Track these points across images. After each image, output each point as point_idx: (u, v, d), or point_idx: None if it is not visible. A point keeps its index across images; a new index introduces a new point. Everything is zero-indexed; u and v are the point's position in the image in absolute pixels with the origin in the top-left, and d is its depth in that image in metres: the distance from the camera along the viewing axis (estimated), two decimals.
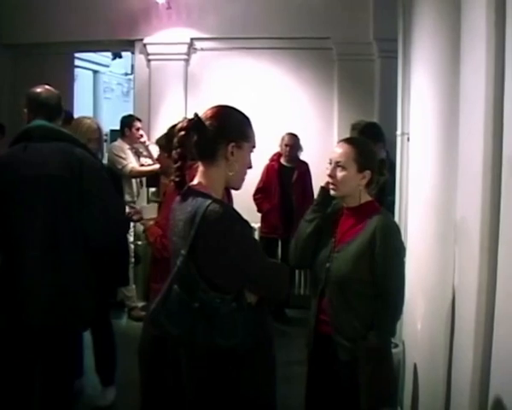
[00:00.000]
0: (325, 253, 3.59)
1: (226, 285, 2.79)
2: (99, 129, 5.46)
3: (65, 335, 3.96)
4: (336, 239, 3.59)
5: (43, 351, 3.99)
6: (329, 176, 3.57)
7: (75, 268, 3.90)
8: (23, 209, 3.84)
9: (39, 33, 8.85)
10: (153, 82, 8.81)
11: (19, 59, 9.43)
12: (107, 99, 19.26)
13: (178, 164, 2.90)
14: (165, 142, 5.33)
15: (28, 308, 3.80)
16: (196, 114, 2.90)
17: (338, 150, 3.58)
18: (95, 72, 18.43)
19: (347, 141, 3.67)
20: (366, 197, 3.61)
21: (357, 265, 3.44)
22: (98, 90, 18.71)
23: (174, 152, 2.90)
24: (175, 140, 2.91)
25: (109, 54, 16.77)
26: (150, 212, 4.71)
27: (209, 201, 2.76)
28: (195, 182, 2.93)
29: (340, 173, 3.53)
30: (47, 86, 4.14)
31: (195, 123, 2.87)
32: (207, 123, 2.87)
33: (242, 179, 3.01)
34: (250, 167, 3.00)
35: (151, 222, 4.51)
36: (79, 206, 3.88)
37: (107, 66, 18.83)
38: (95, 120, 5.60)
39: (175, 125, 3.05)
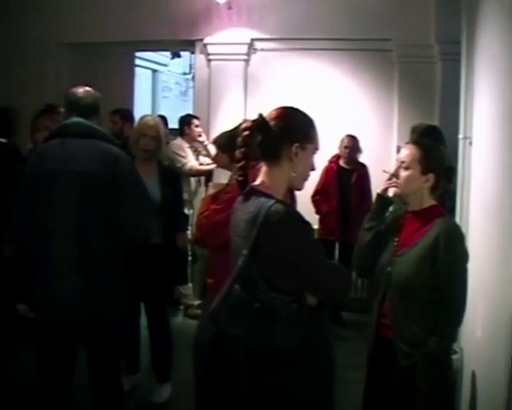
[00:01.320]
0: (386, 256, 3.57)
1: (287, 287, 2.78)
2: (156, 127, 5.46)
3: (98, 331, 3.99)
4: (398, 243, 3.56)
5: (86, 347, 4.05)
6: (393, 175, 3.57)
7: (107, 265, 3.94)
8: (56, 203, 3.88)
9: (100, 32, 8.94)
10: (213, 82, 8.82)
11: (79, 58, 9.54)
12: (165, 98, 19.47)
13: (242, 163, 2.89)
14: (228, 141, 5.36)
15: (57, 304, 3.83)
16: (261, 115, 2.90)
17: (405, 151, 3.60)
18: (154, 71, 18.66)
19: (415, 142, 3.70)
20: (430, 201, 3.59)
21: (419, 269, 3.41)
22: (157, 89, 18.93)
23: (238, 151, 2.90)
24: (239, 139, 2.91)
25: (168, 53, 16.95)
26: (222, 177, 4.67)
27: (272, 201, 2.76)
28: (258, 182, 2.93)
29: (403, 173, 3.55)
30: (86, 87, 4.22)
31: (260, 123, 2.87)
32: (272, 123, 2.87)
33: (305, 181, 3.00)
34: (313, 169, 2.99)
35: (212, 190, 4.50)
36: (113, 203, 3.93)
37: (166, 65, 19.04)
38: (155, 119, 5.62)
39: (239, 125, 3.06)
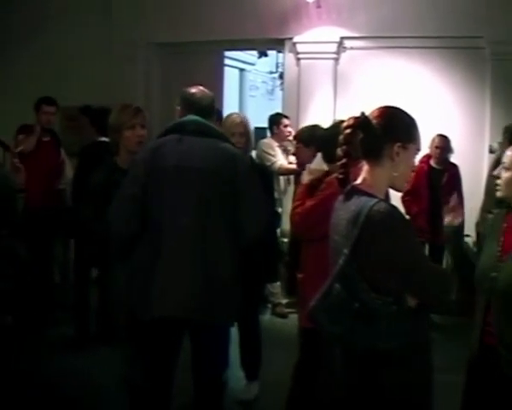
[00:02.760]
0: (489, 261, 3.46)
1: (387, 287, 2.75)
2: (243, 123, 5.47)
3: (214, 328, 4.01)
4: (503, 248, 3.45)
5: (192, 343, 4.06)
6: (496, 177, 3.51)
7: (224, 262, 3.93)
8: (171, 199, 3.89)
9: (189, 32, 9.06)
10: (302, 81, 8.80)
11: (169, 57, 9.68)
12: (252, 97, 19.53)
13: (343, 161, 2.88)
14: (310, 136, 5.35)
15: (173, 301, 3.83)
16: (363, 113, 2.88)
17: (508, 152, 3.49)
18: (241, 70, 18.74)
19: None
20: None
21: None
22: (244, 88, 19.02)
23: (339, 149, 2.89)
24: (341, 137, 2.89)
25: (255, 52, 16.97)
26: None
27: (374, 200, 2.73)
28: (359, 181, 2.91)
29: (504, 174, 3.45)
30: (201, 87, 4.25)
31: (362, 121, 2.85)
32: (374, 122, 2.85)
33: (406, 181, 2.98)
34: (413, 171, 2.96)
35: (307, 178, 4.49)
36: (230, 201, 3.93)
37: (253, 64, 19.08)
38: (241, 116, 5.63)
39: (341, 122, 3.04)
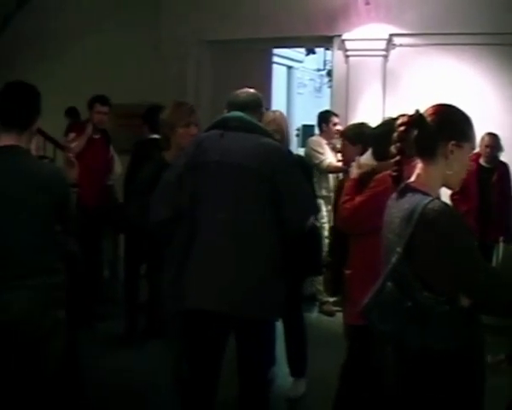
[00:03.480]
0: None
1: (441, 286, 2.72)
2: (276, 121, 5.44)
3: (257, 324, 4.00)
4: None
5: (237, 339, 4.07)
6: None
7: (264, 257, 3.93)
8: (213, 193, 3.92)
9: (239, 30, 9.05)
10: (351, 78, 8.73)
11: (218, 55, 9.71)
12: (299, 94, 19.55)
13: (397, 159, 2.88)
14: (357, 134, 5.33)
15: (214, 294, 3.85)
16: (418, 110, 2.86)
17: None
18: (289, 67, 18.75)
19: None
20: None
21: None
22: (292, 86, 19.03)
23: (393, 146, 2.89)
24: (394, 135, 2.89)
25: (303, 50, 16.99)
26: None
27: (428, 199, 2.71)
28: (413, 179, 2.90)
29: None
30: (248, 88, 4.30)
31: (417, 119, 2.84)
32: (429, 119, 2.83)
33: (460, 180, 2.97)
34: (468, 169, 2.94)
35: (355, 172, 4.49)
36: (272, 196, 3.92)
37: (301, 61, 19.11)
38: (276, 113, 5.63)
39: (392, 120, 3.04)
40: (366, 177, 4.29)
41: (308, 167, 6.07)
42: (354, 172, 4.47)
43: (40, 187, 3.53)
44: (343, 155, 5.94)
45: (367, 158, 4.54)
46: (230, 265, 3.85)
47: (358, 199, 4.14)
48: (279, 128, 5.39)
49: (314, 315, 7.92)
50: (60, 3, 9.37)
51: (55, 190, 3.60)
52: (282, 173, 3.96)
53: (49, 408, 3.65)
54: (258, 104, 4.27)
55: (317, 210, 5.57)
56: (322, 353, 6.21)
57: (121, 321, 6.86)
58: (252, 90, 4.30)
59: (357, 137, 5.23)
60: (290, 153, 5.37)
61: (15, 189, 3.49)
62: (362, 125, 5.45)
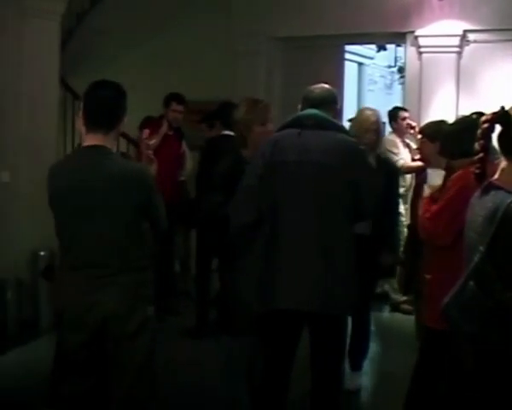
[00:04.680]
0: None
1: None
2: (377, 121, 5.49)
3: (331, 319, 4.01)
4: None
5: (311, 334, 4.07)
6: None
7: (342, 255, 3.94)
8: (292, 192, 3.94)
9: (310, 26, 9.02)
10: (424, 75, 8.61)
11: (290, 51, 9.71)
12: (370, 91, 19.44)
13: (480, 156, 2.85)
14: (436, 131, 5.27)
15: (294, 294, 3.87)
16: (503, 107, 2.82)
17: None
18: (359, 64, 18.67)
19: None
20: None
21: None
22: (362, 83, 18.95)
23: (477, 144, 2.86)
24: (478, 132, 2.85)
25: (374, 46, 16.89)
26: (436, 178, 4.60)
27: None
28: (496, 176, 2.85)
29: None
30: (323, 84, 4.29)
31: (501, 116, 2.80)
32: None
33: None
34: None
35: (428, 191, 4.44)
36: (349, 194, 3.94)
37: (372, 58, 19.02)
38: (375, 112, 5.63)
39: (466, 117, 3.00)
40: (437, 193, 4.24)
41: (394, 172, 6.05)
42: (426, 191, 4.44)
43: (126, 186, 3.57)
44: (421, 153, 5.90)
45: (434, 178, 4.51)
46: (315, 264, 3.86)
47: (437, 205, 4.08)
48: (379, 129, 5.43)
49: (385, 314, 7.87)
50: (131, 2, 9.48)
51: (140, 188, 3.63)
52: (357, 169, 3.98)
53: (137, 401, 3.72)
54: (334, 100, 4.26)
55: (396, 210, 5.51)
56: (392, 352, 6.19)
57: (192, 315, 6.92)
58: (327, 86, 4.30)
59: (436, 134, 5.18)
60: (379, 156, 5.42)
61: (103, 189, 3.54)
62: (441, 123, 5.40)
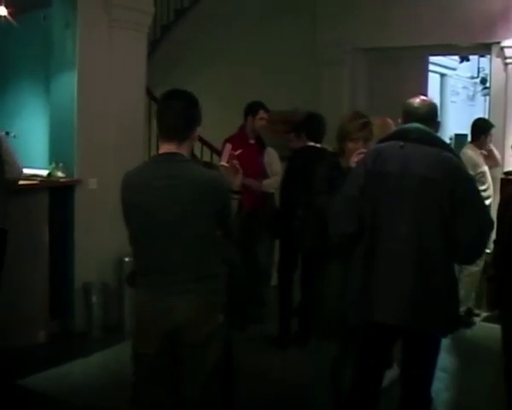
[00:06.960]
0: None
1: None
2: None
3: (427, 338, 3.96)
4: None
5: (405, 352, 4.04)
6: None
7: (441, 271, 3.87)
8: (393, 205, 3.90)
9: (394, 37, 9.03)
10: (509, 87, 8.47)
11: (373, 62, 9.71)
12: (452, 102, 19.20)
13: None
14: None
15: (391, 307, 3.85)
16: None
17: None
18: (442, 75, 18.47)
19: None
20: None
21: None
22: (445, 94, 18.73)
23: None
24: None
25: (457, 57, 16.69)
26: None
27: None
28: None
29: None
30: (422, 97, 4.26)
31: None
32: None
33: None
34: None
35: None
36: (450, 211, 3.83)
37: (454, 69, 18.79)
38: None
39: None
40: None
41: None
42: None
43: (200, 193, 3.56)
44: None
45: None
46: (411, 279, 3.82)
47: None
48: None
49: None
50: (211, 16, 9.56)
51: (215, 196, 3.62)
52: (461, 189, 3.85)
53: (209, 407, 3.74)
54: (436, 114, 4.21)
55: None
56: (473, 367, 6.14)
57: (274, 324, 6.95)
58: (428, 100, 4.26)
59: None
60: None
61: (178, 196, 3.54)
62: None
